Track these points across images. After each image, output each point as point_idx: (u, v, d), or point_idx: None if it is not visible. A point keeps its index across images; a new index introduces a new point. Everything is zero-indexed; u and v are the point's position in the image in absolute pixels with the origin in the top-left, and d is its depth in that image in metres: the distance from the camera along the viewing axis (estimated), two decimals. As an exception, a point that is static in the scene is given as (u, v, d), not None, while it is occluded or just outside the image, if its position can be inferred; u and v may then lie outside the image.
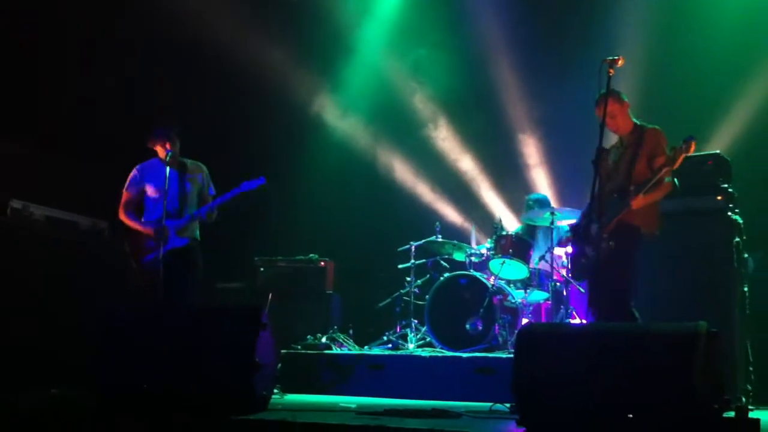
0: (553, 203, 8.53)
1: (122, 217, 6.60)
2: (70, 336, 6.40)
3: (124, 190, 6.66)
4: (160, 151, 6.60)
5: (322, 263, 8.65)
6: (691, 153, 5.02)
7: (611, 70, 5.18)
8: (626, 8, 8.62)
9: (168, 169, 6.43)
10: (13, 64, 8.10)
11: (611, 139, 5.65)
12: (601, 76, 5.21)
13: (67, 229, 7.59)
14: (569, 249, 6.98)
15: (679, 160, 5.02)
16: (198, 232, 6.69)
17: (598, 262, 5.26)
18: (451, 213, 9.85)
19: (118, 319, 5.17)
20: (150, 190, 6.60)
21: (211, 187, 6.76)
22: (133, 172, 6.69)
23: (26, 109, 8.16)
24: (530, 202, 8.28)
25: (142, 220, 6.56)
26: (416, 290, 8.25)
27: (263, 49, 9.56)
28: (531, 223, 8.14)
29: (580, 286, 7.38)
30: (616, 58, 5.17)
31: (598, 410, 3.80)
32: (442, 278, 7.93)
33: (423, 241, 8.35)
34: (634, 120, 5.49)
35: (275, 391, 5.67)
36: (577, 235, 5.73)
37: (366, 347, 8.01)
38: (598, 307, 5.37)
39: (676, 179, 5.31)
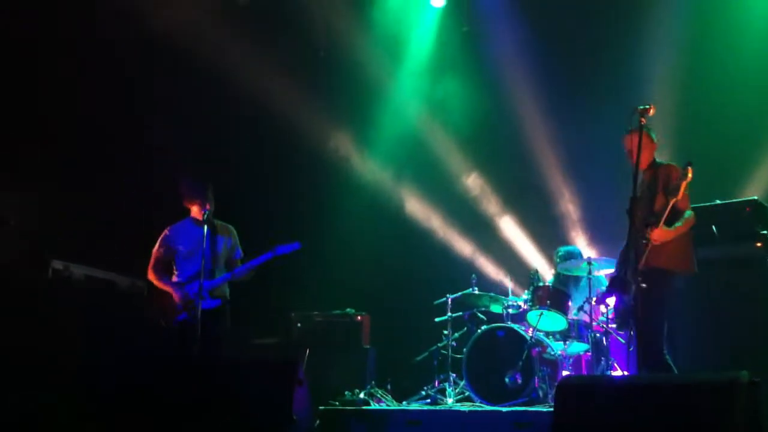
0: (590, 253, 8.45)
1: (151, 276, 6.58)
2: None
3: (154, 250, 6.66)
4: (196, 210, 6.56)
5: (359, 317, 8.65)
6: (689, 179, 5.06)
7: (643, 119, 5.19)
8: (658, 52, 8.62)
9: (205, 228, 6.35)
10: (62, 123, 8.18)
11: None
12: (632, 125, 5.23)
13: (106, 288, 7.69)
14: (612, 300, 6.90)
15: (682, 189, 5.08)
16: (228, 292, 6.66)
17: (635, 308, 5.19)
18: (487, 265, 9.81)
19: (153, 371, 5.18)
20: (182, 251, 6.56)
21: (239, 249, 6.72)
22: (164, 233, 6.66)
23: (68, 168, 8.30)
24: (559, 255, 8.22)
25: (174, 280, 6.58)
26: (454, 343, 8.18)
27: (294, 103, 9.57)
28: (567, 273, 8.06)
29: (620, 336, 7.27)
30: (647, 107, 5.18)
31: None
32: (479, 331, 7.85)
33: (459, 293, 8.31)
34: (656, 159, 5.55)
35: (313, 448, 5.64)
36: (614, 285, 5.68)
37: (404, 402, 7.93)
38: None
39: (714, 227, 5.26)
